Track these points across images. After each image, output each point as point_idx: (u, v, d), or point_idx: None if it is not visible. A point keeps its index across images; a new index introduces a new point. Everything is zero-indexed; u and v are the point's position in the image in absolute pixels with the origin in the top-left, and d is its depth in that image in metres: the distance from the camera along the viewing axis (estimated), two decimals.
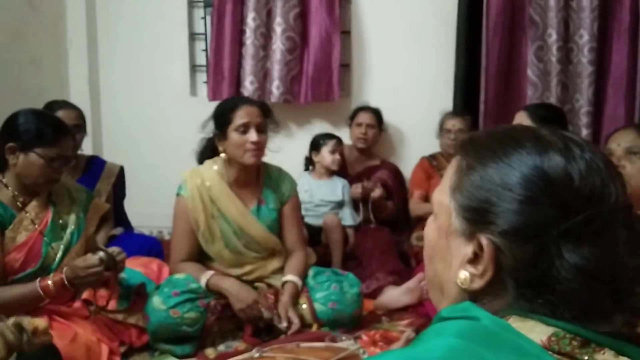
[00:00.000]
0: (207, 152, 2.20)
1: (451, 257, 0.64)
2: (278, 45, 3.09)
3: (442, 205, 0.67)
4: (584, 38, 2.76)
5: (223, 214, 2.10)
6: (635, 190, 1.51)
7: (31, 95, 2.95)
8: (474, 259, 0.62)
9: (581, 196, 0.57)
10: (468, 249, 0.62)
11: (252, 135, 2.01)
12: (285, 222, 2.21)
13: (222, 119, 2.07)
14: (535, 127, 0.67)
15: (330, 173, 2.97)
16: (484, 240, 0.60)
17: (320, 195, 2.89)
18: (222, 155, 2.10)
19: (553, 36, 2.79)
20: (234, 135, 2.03)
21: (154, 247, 2.54)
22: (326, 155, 2.93)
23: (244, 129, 2.02)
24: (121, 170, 2.77)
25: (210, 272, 2.06)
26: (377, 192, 2.91)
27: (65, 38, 3.33)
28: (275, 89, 3.12)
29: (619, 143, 1.55)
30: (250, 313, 1.99)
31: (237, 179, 2.12)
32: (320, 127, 3.34)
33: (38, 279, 1.73)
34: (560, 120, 2.35)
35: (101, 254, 1.75)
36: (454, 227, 0.64)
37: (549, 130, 0.64)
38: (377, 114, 3.11)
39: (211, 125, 2.14)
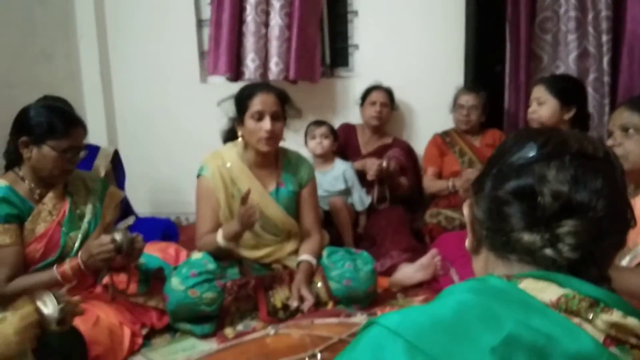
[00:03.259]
0: (231, 132, 2.23)
1: None
2: (277, 21, 3.04)
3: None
4: (599, 6, 2.70)
5: (242, 194, 2.12)
6: (635, 166, 1.50)
7: (44, 88, 2.99)
8: None
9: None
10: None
11: (266, 124, 2.05)
12: (303, 206, 2.24)
13: (240, 105, 2.11)
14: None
15: (329, 159, 2.93)
16: (465, 207, 0.72)
17: (324, 186, 2.84)
18: (239, 139, 2.15)
19: (564, 5, 2.73)
20: (249, 122, 2.07)
21: (169, 228, 2.61)
22: (309, 143, 2.92)
23: (259, 116, 2.05)
24: (116, 152, 2.85)
25: (219, 232, 2.07)
26: (392, 165, 2.88)
27: (76, 31, 3.37)
28: (274, 65, 3.08)
29: (614, 123, 1.55)
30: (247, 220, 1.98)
31: (256, 161, 2.17)
32: (331, 106, 3.34)
33: (55, 265, 1.79)
34: (579, 92, 2.32)
35: (115, 234, 1.79)
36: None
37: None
38: (389, 92, 3.10)
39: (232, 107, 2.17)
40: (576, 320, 0.59)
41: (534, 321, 0.57)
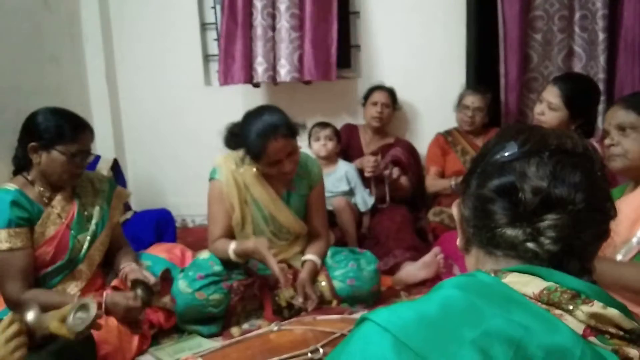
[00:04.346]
0: (235, 138, 2.11)
1: None
2: (283, 23, 3.06)
3: None
4: (597, 5, 2.71)
5: (255, 200, 2.14)
6: (634, 163, 1.52)
7: (51, 92, 3.05)
8: None
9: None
10: None
11: (285, 166, 2.02)
12: (311, 207, 2.26)
13: (253, 150, 2.01)
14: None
15: (332, 160, 2.95)
16: (454, 205, 0.78)
17: (328, 187, 2.76)
18: None
19: (556, 5, 2.75)
20: (267, 167, 2.04)
21: (163, 217, 2.68)
22: (313, 145, 2.93)
23: (277, 162, 2.02)
24: (115, 160, 2.94)
25: (234, 242, 2.08)
26: (395, 173, 2.91)
27: (81, 35, 3.42)
28: (282, 68, 3.09)
29: (610, 122, 1.56)
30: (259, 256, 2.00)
31: None
32: (331, 107, 3.36)
33: (77, 295, 1.81)
34: (592, 93, 2.27)
35: (139, 291, 1.84)
36: None
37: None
38: (391, 93, 3.11)
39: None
40: (557, 312, 0.61)
41: (513, 314, 0.59)
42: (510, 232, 0.69)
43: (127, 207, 2.92)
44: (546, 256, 0.67)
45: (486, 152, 0.75)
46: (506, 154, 0.72)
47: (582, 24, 2.76)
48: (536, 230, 0.67)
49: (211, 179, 2.16)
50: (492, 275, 0.66)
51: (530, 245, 0.67)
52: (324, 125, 2.99)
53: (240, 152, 2.09)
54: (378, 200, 2.96)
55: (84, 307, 1.34)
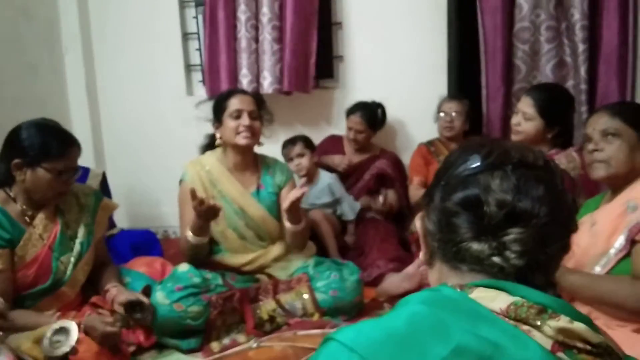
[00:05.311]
0: (209, 146, 2.35)
1: None
2: (265, 36, 3.07)
3: None
4: (575, 17, 2.75)
5: (223, 195, 2.21)
6: (618, 170, 1.52)
7: (30, 102, 2.99)
8: None
9: None
10: None
11: (245, 120, 2.16)
12: (285, 202, 2.24)
13: (218, 107, 2.23)
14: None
15: (312, 173, 2.90)
16: (417, 217, 0.78)
17: (310, 199, 2.83)
18: (219, 147, 2.25)
19: (542, 16, 2.79)
20: (228, 121, 2.18)
21: (147, 239, 2.63)
22: (290, 165, 2.78)
23: (237, 114, 2.17)
24: (103, 174, 2.91)
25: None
26: (393, 201, 2.97)
27: (61, 45, 3.37)
28: (264, 79, 3.11)
29: (594, 127, 1.56)
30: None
31: (235, 164, 2.24)
32: (314, 118, 3.36)
33: (57, 315, 1.72)
34: (565, 101, 2.30)
35: (124, 315, 1.79)
36: None
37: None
38: (367, 115, 3.01)
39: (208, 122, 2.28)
40: (525, 327, 0.61)
41: (482, 330, 0.58)
42: (476, 246, 0.68)
43: (113, 223, 2.87)
44: (512, 270, 0.66)
45: (449, 165, 0.75)
46: (470, 166, 0.71)
47: (567, 35, 2.79)
48: (501, 244, 0.66)
49: (180, 182, 2.27)
50: (458, 290, 0.66)
51: (496, 259, 0.67)
52: (291, 142, 2.91)
53: (207, 152, 2.30)
54: (363, 208, 2.96)
55: (63, 330, 1.28)
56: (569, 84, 2.81)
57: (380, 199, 2.92)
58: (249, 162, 2.26)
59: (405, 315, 0.62)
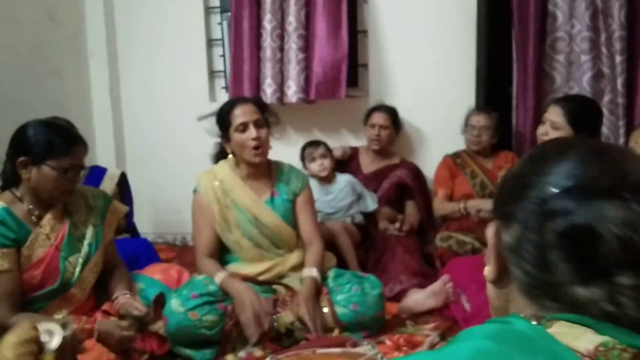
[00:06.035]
0: (220, 155, 2.30)
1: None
2: (290, 44, 3.06)
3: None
4: (612, 27, 2.65)
5: (237, 204, 2.16)
6: None
7: (54, 106, 2.99)
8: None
9: None
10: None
11: (252, 132, 2.09)
12: (300, 214, 2.23)
13: (222, 122, 2.16)
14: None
15: (331, 178, 2.91)
16: (489, 229, 0.61)
17: (331, 206, 2.84)
18: (230, 156, 2.20)
19: (577, 26, 2.69)
20: (235, 136, 2.12)
21: (141, 248, 2.51)
22: (310, 167, 2.89)
23: (243, 127, 2.10)
24: (123, 174, 2.81)
25: (224, 273, 2.07)
26: (410, 219, 2.90)
27: (86, 49, 3.39)
28: (288, 89, 3.10)
29: (637, 141, 1.48)
30: (249, 322, 1.94)
31: (248, 174, 2.20)
32: (338, 127, 3.30)
33: (72, 318, 1.67)
34: (595, 111, 2.22)
35: (131, 320, 1.75)
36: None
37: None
38: (391, 113, 3.04)
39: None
40: None
41: None
42: (582, 292, 0.54)
43: (128, 225, 2.80)
44: (627, 320, 0.53)
45: (540, 172, 0.59)
46: (576, 184, 0.56)
47: (606, 46, 2.69)
48: (615, 289, 0.53)
49: (194, 191, 2.23)
50: (534, 322, 0.55)
51: (607, 307, 0.53)
52: (315, 144, 2.95)
53: (220, 162, 2.24)
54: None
55: (48, 332, 1.24)
56: (607, 97, 2.70)
57: (397, 224, 2.84)
58: (263, 170, 2.22)
59: (469, 351, 0.52)
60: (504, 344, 0.52)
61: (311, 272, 2.10)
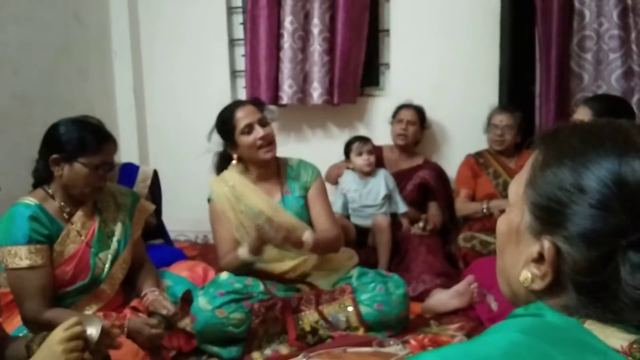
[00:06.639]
0: (222, 163, 2.28)
1: (519, 254, 0.62)
2: (315, 47, 3.08)
3: (517, 197, 0.64)
4: None
5: (250, 208, 2.15)
6: None
7: (79, 105, 3.04)
8: (539, 259, 0.59)
9: None
10: (534, 249, 0.59)
11: (258, 132, 2.09)
12: (314, 206, 2.22)
13: (226, 128, 2.15)
14: (628, 124, 0.60)
15: (372, 172, 2.92)
16: (546, 243, 0.58)
17: (368, 199, 2.86)
18: (234, 162, 2.19)
19: (605, 24, 2.65)
20: (242, 139, 2.11)
21: (178, 257, 2.53)
22: (355, 160, 2.89)
23: (249, 129, 2.09)
24: (155, 173, 2.81)
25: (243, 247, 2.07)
26: (434, 220, 2.88)
27: (111, 49, 3.43)
28: (314, 90, 3.11)
29: None
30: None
31: (258, 177, 2.20)
32: (357, 126, 3.30)
33: (101, 315, 1.73)
34: (627, 111, 2.14)
35: (160, 318, 1.78)
36: (525, 223, 0.62)
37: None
38: (419, 111, 3.05)
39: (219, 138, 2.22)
40: None
41: None
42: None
43: (165, 237, 2.81)
44: None
45: (591, 158, 0.56)
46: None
47: (637, 43, 2.65)
48: None
49: (208, 200, 2.23)
50: (567, 314, 0.55)
51: None
52: (364, 140, 2.95)
53: (229, 167, 2.23)
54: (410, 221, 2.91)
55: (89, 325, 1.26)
56: (637, 96, 2.66)
57: (420, 224, 2.83)
58: (272, 171, 2.22)
59: (501, 344, 0.52)
60: (536, 337, 0.52)
61: (307, 234, 2.05)
